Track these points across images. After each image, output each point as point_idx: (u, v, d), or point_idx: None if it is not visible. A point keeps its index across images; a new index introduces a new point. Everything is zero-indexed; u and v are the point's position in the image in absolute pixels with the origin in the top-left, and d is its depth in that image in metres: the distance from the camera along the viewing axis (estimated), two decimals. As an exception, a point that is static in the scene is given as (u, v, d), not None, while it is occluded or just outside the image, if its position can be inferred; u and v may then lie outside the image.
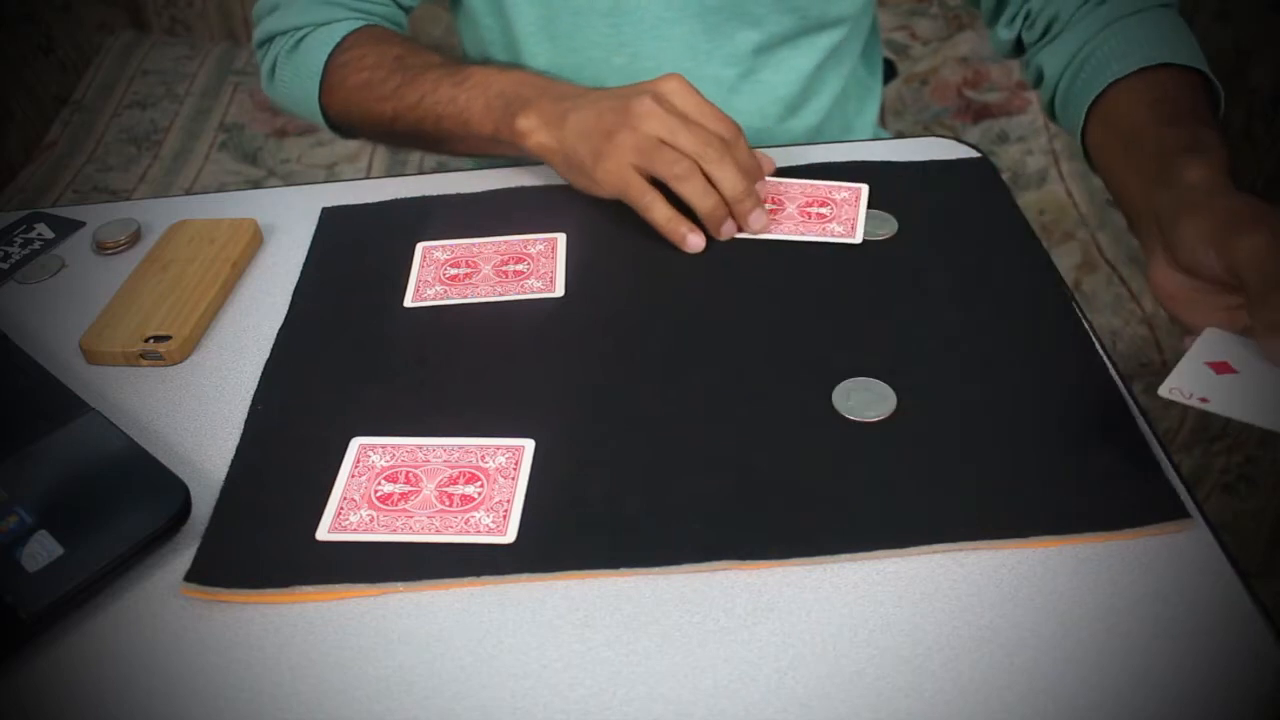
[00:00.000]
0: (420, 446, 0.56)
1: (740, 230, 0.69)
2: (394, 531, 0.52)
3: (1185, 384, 0.49)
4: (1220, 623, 0.46)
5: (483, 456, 0.55)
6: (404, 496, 0.53)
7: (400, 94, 0.78)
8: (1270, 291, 0.49)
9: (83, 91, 1.61)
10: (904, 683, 0.44)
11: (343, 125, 0.85)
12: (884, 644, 0.46)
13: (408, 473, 0.55)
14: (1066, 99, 0.76)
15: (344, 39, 0.83)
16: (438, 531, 0.52)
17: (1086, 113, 0.72)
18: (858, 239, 0.68)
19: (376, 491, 0.54)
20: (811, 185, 0.73)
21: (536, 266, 0.68)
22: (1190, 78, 0.69)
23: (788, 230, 0.69)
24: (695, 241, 0.68)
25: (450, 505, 0.53)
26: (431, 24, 1.73)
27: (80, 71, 1.66)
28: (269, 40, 0.87)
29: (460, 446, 0.56)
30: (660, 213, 0.68)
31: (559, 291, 0.66)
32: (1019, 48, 0.82)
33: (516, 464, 0.55)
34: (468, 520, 0.52)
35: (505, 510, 0.52)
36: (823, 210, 0.70)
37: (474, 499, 0.53)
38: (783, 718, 0.43)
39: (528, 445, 0.56)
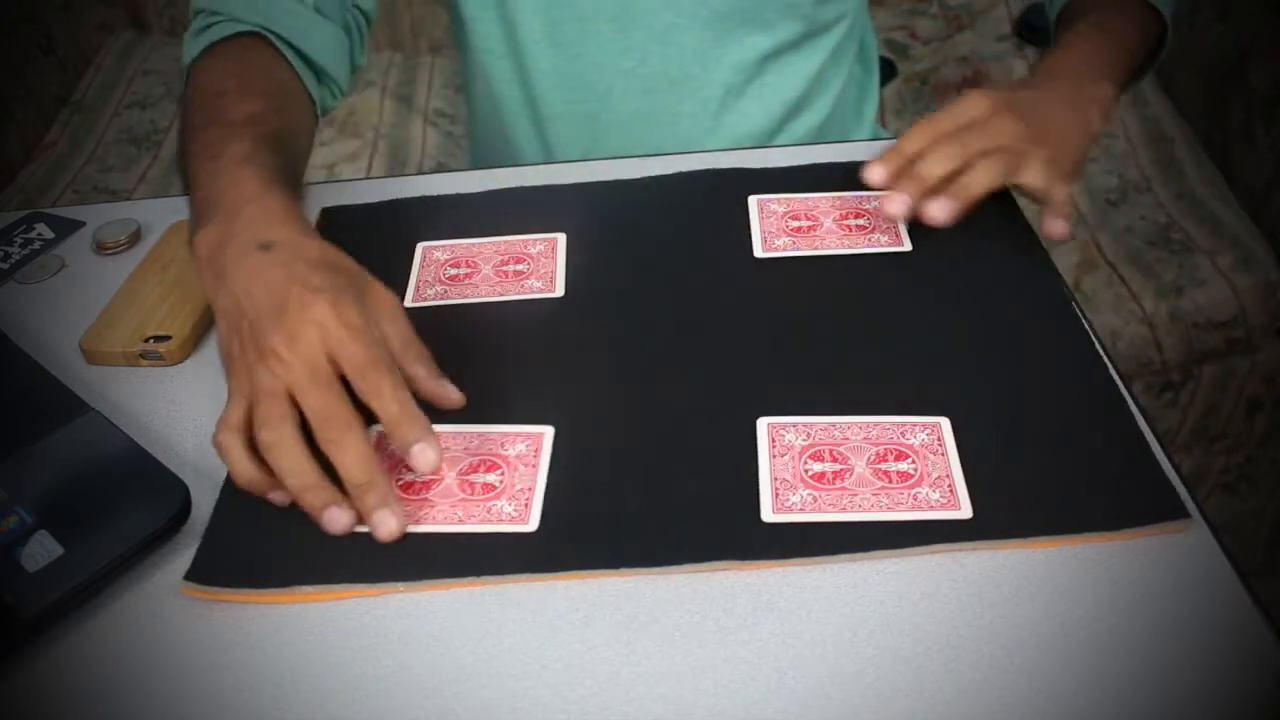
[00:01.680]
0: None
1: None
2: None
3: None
4: (1220, 623, 0.46)
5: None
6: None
7: (188, 136, 0.66)
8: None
9: (83, 91, 1.61)
10: (904, 683, 0.44)
11: None
12: (884, 644, 0.46)
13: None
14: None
15: (214, 44, 0.72)
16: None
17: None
18: (907, 246, 0.67)
19: (376, 491, 0.54)
20: (839, 197, 0.71)
21: (536, 266, 0.68)
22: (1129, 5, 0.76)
23: (832, 245, 0.68)
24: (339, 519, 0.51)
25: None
26: (432, 24, 1.73)
27: (80, 71, 1.66)
28: (199, 13, 0.75)
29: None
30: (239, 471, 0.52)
31: (559, 291, 0.66)
32: None
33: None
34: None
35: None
36: (861, 222, 0.70)
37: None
38: (783, 718, 0.43)
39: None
